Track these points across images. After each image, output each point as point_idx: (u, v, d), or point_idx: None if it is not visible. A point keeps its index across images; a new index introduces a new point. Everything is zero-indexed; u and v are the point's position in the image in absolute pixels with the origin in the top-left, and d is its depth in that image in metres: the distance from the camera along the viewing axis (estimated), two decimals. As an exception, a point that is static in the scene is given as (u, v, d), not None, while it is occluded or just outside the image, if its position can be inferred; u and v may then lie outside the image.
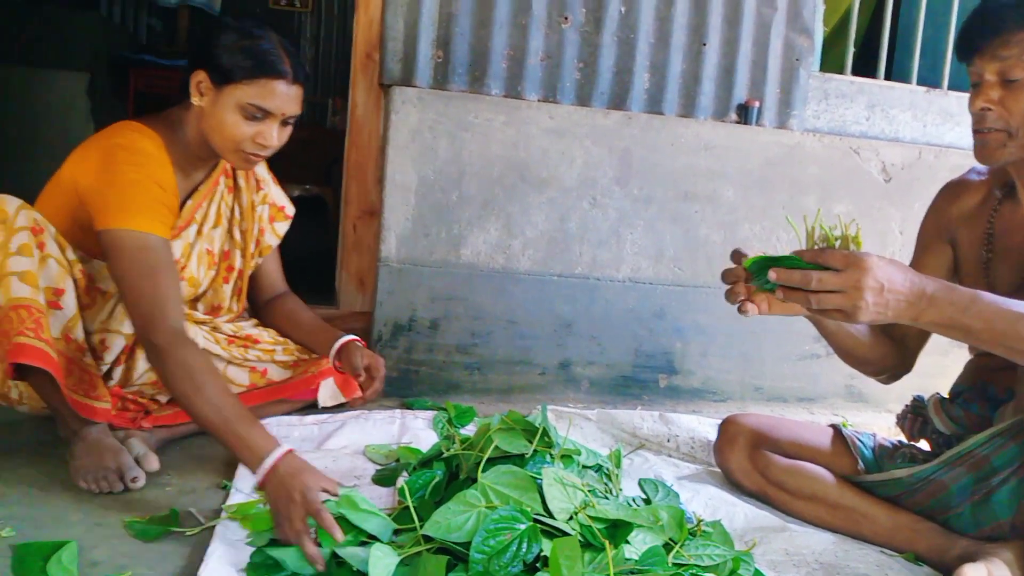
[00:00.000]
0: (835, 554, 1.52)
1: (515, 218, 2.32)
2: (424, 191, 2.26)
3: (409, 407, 2.15)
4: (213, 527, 1.39)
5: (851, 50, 2.73)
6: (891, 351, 1.63)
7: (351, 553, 1.27)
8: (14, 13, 4.22)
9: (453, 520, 1.27)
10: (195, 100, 1.62)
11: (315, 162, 4.39)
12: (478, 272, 2.32)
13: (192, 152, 1.71)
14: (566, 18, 2.35)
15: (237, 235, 1.89)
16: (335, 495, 1.33)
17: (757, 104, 2.48)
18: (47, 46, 4.13)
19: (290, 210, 1.99)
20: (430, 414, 2.07)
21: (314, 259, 2.82)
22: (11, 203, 1.54)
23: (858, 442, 1.72)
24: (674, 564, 1.31)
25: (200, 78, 1.61)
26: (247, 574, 1.27)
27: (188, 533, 1.39)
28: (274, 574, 1.27)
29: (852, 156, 2.53)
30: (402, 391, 2.26)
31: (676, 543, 1.37)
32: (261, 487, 1.35)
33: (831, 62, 2.97)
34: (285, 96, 1.61)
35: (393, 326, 2.29)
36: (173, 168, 1.66)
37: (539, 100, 2.35)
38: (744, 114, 2.49)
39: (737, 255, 1.34)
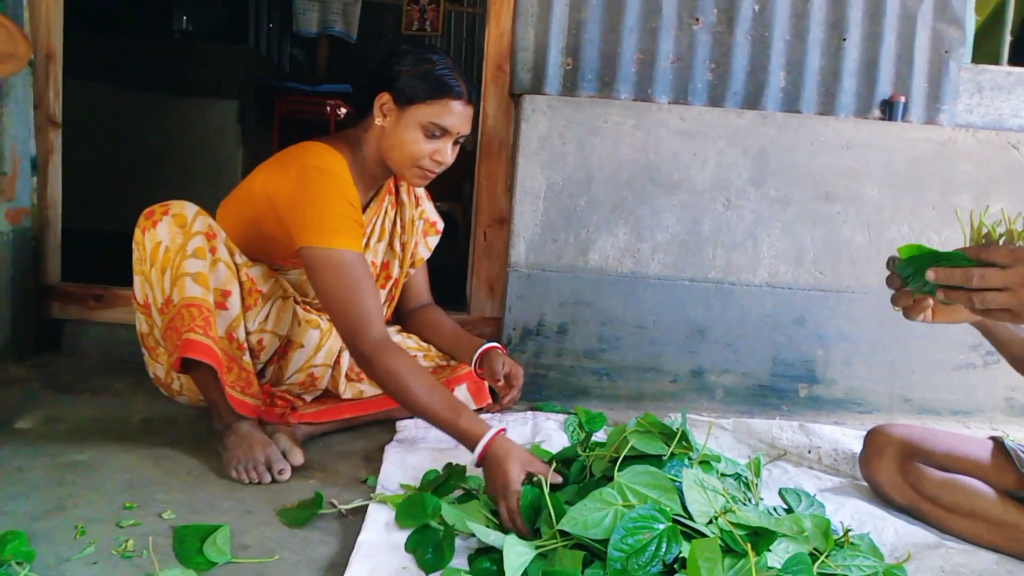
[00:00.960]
0: (998, 574, 1.40)
1: (644, 221, 2.29)
2: (552, 197, 2.28)
3: (538, 411, 2.15)
4: (354, 520, 1.44)
5: (1007, 39, 2.55)
6: None
7: (484, 532, 1.30)
8: (173, 48, 4.58)
9: (590, 517, 1.26)
10: (378, 120, 1.72)
11: (446, 180, 4.51)
12: (606, 276, 2.30)
13: (368, 171, 1.81)
14: (697, 19, 2.31)
15: (397, 247, 1.98)
16: (541, 473, 1.41)
17: (903, 99, 2.36)
18: (202, 77, 4.45)
19: (440, 225, 2.08)
20: (562, 416, 2.07)
21: (443, 271, 2.90)
22: (189, 209, 1.66)
23: (1023, 455, 1.58)
24: (819, 574, 1.24)
25: (384, 100, 1.71)
26: (406, 549, 1.33)
27: (335, 514, 1.45)
28: (431, 548, 1.32)
29: (1010, 152, 2.35)
30: (531, 395, 2.27)
31: (821, 553, 1.30)
32: (479, 465, 1.48)
33: (985, 53, 2.78)
34: (461, 115, 1.71)
35: (522, 330, 2.31)
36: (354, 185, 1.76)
37: (669, 102, 2.32)
38: (888, 110, 2.37)
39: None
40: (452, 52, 6.43)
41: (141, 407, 1.96)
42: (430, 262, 2.12)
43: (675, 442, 1.44)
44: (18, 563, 1.20)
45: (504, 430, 1.49)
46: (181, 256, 1.61)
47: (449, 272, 2.96)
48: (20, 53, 1.73)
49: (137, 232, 1.66)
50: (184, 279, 1.60)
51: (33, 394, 2.01)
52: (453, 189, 4.63)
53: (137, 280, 1.70)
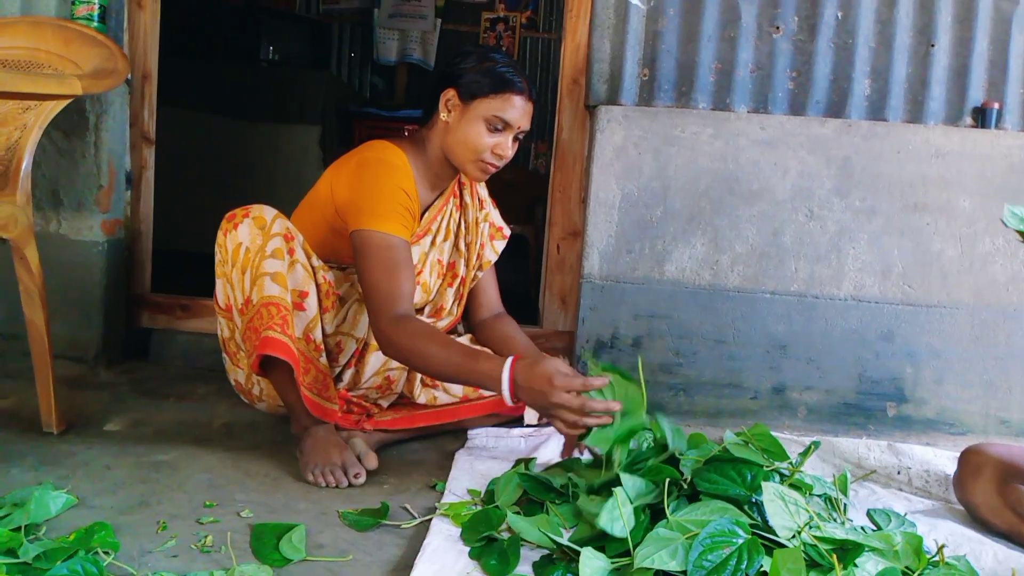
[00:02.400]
0: (1114, 604, 1.30)
1: (723, 232, 2.24)
2: (627, 208, 2.25)
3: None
4: (427, 523, 1.44)
5: (1112, 43, 2.41)
6: None
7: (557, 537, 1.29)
8: (259, 75, 4.75)
9: (664, 551, 1.21)
10: (443, 116, 1.79)
11: (518, 203, 4.54)
12: (683, 289, 2.26)
13: (432, 170, 1.86)
14: (777, 28, 2.27)
15: (462, 247, 2.01)
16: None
17: (996, 106, 2.25)
18: (286, 103, 4.59)
19: (507, 231, 2.10)
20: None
21: (515, 293, 2.91)
22: (268, 212, 1.71)
23: None
24: (913, 593, 1.18)
25: (449, 96, 1.77)
26: (470, 557, 1.31)
27: (403, 526, 1.44)
28: (496, 555, 1.30)
29: (1117, 160, 2.22)
30: (606, 410, 2.23)
31: (913, 572, 1.23)
32: (516, 401, 1.51)
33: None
34: (521, 110, 1.76)
35: (595, 343, 2.28)
36: (416, 182, 1.81)
37: (749, 111, 2.28)
38: (981, 118, 2.27)
39: None
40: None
41: (223, 412, 2.01)
42: (503, 281, 2.13)
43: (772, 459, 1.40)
44: (104, 552, 1.24)
45: (515, 360, 1.50)
46: (260, 256, 1.65)
47: (521, 292, 2.96)
48: (119, 69, 1.82)
49: (219, 235, 1.71)
50: (263, 279, 1.64)
51: (121, 398, 2.09)
52: (525, 211, 4.65)
53: (219, 283, 1.75)
